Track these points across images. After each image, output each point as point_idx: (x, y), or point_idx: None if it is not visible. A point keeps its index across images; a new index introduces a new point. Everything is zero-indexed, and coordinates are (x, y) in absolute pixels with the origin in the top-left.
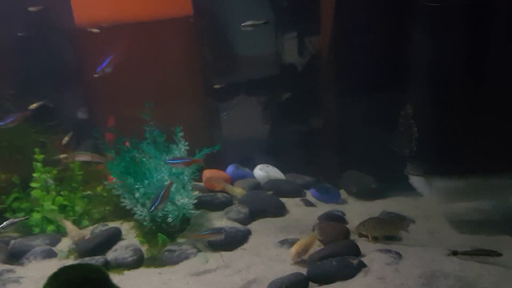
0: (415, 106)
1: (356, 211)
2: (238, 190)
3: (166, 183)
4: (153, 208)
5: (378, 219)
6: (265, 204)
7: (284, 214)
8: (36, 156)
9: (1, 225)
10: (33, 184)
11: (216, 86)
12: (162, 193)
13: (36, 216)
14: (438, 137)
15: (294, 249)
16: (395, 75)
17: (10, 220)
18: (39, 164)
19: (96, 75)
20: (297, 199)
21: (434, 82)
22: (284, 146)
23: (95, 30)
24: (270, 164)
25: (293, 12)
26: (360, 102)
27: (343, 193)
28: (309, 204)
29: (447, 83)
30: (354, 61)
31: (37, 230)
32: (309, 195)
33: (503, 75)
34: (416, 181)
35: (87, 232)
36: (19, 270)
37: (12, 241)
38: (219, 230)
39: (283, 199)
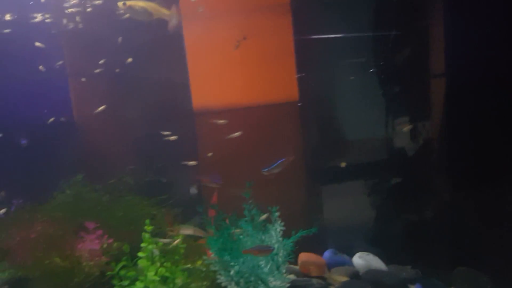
0: None
1: None
2: (341, 278)
3: (262, 262)
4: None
5: None
6: None
7: None
8: (146, 227)
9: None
10: (140, 254)
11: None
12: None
13: (139, 285)
14: None
15: None
16: None
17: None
18: (147, 235)
19: (265, 173)
20: None
21: None
22: (389, 235)
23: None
24: (371, 253)
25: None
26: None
27: None
28: None
29: None
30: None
31: None
32: None
33: None
34: None
35: None
36: None
37: None
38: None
39: None
